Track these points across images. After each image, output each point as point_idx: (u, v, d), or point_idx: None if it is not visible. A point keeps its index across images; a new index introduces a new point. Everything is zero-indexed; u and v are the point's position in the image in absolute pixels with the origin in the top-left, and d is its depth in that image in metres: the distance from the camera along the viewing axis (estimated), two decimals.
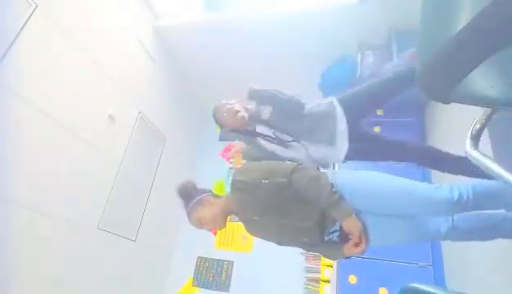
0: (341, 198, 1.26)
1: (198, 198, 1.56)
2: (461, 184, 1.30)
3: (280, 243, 1.50)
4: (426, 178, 2.85)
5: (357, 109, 1.70)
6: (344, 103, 1.69)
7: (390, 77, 1.73)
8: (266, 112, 1.73)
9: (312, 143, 1.68)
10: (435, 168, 1.88)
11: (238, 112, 1.70)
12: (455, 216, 1.38)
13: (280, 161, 1.56)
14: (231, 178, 1.46)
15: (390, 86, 1.70)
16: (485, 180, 1.33)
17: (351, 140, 1.65)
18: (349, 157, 1.68)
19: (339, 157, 1.68)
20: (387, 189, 1.31)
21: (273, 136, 1.74)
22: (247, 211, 1.44)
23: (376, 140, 1.84)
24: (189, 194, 1.61)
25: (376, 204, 1.31)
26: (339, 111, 1.67)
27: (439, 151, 1.76)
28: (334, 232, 1.37)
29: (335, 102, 1.71)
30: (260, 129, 1.78)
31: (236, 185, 1.43)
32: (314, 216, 1.31)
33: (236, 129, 1.79)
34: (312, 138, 1.67)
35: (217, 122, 1.84)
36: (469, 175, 1.56)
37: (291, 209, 1.34)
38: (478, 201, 1.26)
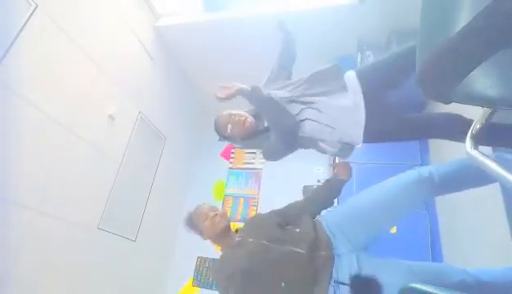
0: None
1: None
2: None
3: None
4: None
5: (377, 75, 1.54)
6: (361, 73, 1.56)
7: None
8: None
9: (327, 96, 1.50)
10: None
11: (246, 119, 1.59)
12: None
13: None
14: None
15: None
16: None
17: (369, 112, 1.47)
18: (369, 132, 1.48)
19: (359, 108, 1.47)
20: (364, 209, 1.35)
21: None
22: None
23: (398, 115, 1.60)
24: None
25: (372, 224, 1.34)
26: (352, 76, 1.54)
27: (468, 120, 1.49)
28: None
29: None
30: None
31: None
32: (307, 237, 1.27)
33: (248, 135, 1.67)
34: (325, 92, 1.51)
35: (225, 137, 1.69)
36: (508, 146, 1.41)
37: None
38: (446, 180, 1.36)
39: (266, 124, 1.62)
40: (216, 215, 1.40)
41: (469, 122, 1.24)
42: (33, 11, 2.01)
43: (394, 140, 1.75)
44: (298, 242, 1.24)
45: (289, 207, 1.51)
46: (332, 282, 1.19)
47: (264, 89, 1.56)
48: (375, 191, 1.42)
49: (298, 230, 1.31)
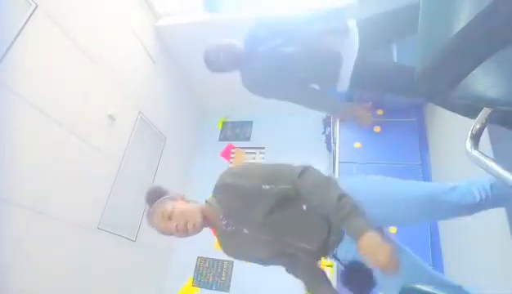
0: (357, 207, 0.99)
1: (169, 195, 1.31)
2: (478, 181, 1.18)
3: (266, 263, 1.29)
4: (426, 175, 2.85)
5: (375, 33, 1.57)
6: (362, 24, 1.58)
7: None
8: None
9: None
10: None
11: (235, 44, 1.64)
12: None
13: (286, 163, 1.31)
14: (218, 179, 1.25)
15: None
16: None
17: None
18: (357, 74, 1.49)
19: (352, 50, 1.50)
20: (404, 196, 1.15)
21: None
22: (235, 222, 1.20)
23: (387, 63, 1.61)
24: (158, 194, 1.35)
25: (390, 214, 1.15)
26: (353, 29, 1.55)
27: None
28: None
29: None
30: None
31: (227, 189, 1.19)
32: (321, 238, 1.11)
33: (241, 60, 1.62)
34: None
35: (218, 67, 1.65)
36: None
37: (294, 225, 1.13)
38: (497, 198, 1.18)
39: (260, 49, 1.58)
40: (177, 227, 1.21)
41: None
42: (33, 11, 2.01)
43: (384, 89, 1.77)
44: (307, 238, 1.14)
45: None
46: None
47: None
48: (416, 193, 1.17)
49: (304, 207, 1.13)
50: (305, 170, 1.16)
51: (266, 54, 1.53)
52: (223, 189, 1.21)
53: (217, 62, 1.59)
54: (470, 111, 0.71)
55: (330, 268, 2.82)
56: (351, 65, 1.47)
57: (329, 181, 1.08)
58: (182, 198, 1.31)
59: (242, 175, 1.19)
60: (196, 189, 4.12)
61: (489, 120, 0.71)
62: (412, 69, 0.59)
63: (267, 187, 1.12)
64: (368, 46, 1.51)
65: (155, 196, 1.35)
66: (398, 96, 2.48)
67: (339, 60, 1.49)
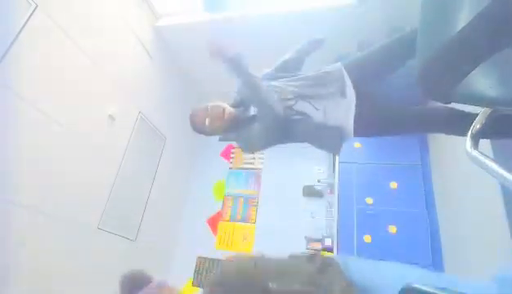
0: None
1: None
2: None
3: None
4: (426, 175, 2.85)
5: (365, 70, 1.51)
6: (350, 67, 1.51)
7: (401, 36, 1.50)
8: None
9: (324, 99, 1.45)
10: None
11: (225, 110, 1.49)
12: None
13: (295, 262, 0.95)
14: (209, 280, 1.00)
15: (403, 43, 1.45)
16: None
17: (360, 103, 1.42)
18: (359, 126, 1.42)
19: (350, 109, 1.43)
20: None
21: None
22: None
23: (391, 108, 1.52)
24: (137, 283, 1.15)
25: None
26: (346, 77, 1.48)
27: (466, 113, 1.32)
28: None
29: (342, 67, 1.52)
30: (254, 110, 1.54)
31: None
32: None
33: (230, 127, 1.55)
34: (322, 94, 1.46)
35: (204, 132, 1.56)
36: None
37: None
38: None
39: (252, 112, 1.52)
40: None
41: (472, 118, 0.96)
42: (33, 11, 2.01)
43: (390, 135, 1.69)
44: None
45: None
46: None
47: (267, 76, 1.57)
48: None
49: None
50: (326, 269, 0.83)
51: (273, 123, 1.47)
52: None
53: (202, 128, 1.54)
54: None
55: None
56: (351, 125, 1.41)
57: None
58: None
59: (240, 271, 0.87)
60: (196, 189, 4.13)
61: (489, 120, 0.71)
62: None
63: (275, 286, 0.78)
64: (363, 89, 1.46)
65: (133, 285, 1.11)
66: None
67: (341, 131, 1.44)
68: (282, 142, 1.55)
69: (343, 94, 1.45)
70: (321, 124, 1.42)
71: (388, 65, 1.52)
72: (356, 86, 1.45)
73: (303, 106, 1.45)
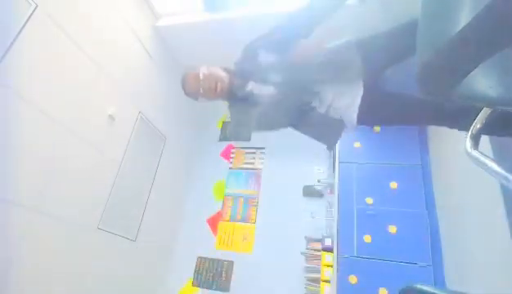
0: None
1: None
2: None
3: None
4: (426, 175, 2.85)
5: (379, 54, 1.39)
6: (363, 46, 1.37)
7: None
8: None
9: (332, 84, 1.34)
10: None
11: (217, 84, 1.38)
12: None
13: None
14: None
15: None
16: None
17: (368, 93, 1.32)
18: (364, 114, 1.34)
19: (356, 96, 1.33)
20: None
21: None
22: None
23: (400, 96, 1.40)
24: None
25: None
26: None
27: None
28: None
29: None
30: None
31: None
32: None
33: (223, 98, 1.44)
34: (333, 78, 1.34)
35: (195, 99, 1.46)
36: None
37: None
38: None
39: (249, 88, 1.40)
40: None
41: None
42: (33, 11, 2.01)
43: (395, 125, 1.65)
44: None
45: None
46: None
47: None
48: None
49: None
50: None
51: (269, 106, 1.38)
52: None
53: (195, 93, 1.44)
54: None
55: (330, 268, 2.82)
56: (355, 119, 1.33)
57: None
58: None
59: None
60: (196, 189, 4.13)
61: (489, 120, 0.71)
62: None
63: None
64: (373, 72, 1.34)
65: None
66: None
67: (343, 124, 1.38)
68: (282, 127, 1.47)
69: (352, 79, 1.34)
70: (324, 115, 1.34)
71: (399, 49, 1.39)
72: (364, 69, 1.33)
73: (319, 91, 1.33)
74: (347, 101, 1.34)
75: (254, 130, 1.58)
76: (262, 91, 1.39)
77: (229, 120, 1.58)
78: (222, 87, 1.39)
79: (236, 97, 1.44)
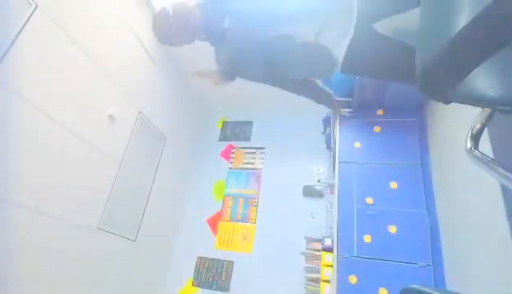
0: None
1: None
2: None
3: None
4: (426, 175, 2.85)
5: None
6: None
7: None
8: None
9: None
10: None
11: (189, 11, 1.24)
12: None
13: None
14: None
15: None
16: None
17: None
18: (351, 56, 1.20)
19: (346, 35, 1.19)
20: None
21: None
22: None
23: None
24: None
25: None
26: None
27: None
28: None
29: None
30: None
31: None
32: None
33: (202, 34, 1.29)
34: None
35: (171, 43, 1.30)
36: None
37: None
38: None
39: (226, 24, 1.26)
40: None
41: None
42: (33, 11, 2.01)
43: (386, 77, 1.50)
44: None
45: None
46: None
47: None
48: None
49: None
50: None
51: (250, 45, 1.24)
52: None
53: (168, 35, 1.27)
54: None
55: (330, 268, 2.82)
56: (341, 54, 1.18)
57: None
58: None
59: None
60: (196, 189, 4.13)
61: (489, 120, 0.71)
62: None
63: None
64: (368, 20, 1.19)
65: None
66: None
67: (331, 56, 1.22)
68: (263, 70, 1.30)
69: (345, 14, 1.19)
70: (310, 43, 1.18)
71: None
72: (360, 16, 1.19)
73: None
74: (335, 33, 1.19)
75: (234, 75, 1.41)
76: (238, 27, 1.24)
77: (220, 61, 1.37)
78: (195, 22, 1.24)
79: (215, 35, 1.29)
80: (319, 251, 3.02)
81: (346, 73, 1.27)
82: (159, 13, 1.27)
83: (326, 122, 3.56)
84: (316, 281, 2.97)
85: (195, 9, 1.26)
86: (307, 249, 3.21)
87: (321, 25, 1.21)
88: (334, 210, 2.96)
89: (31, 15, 1.99)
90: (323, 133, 3.70)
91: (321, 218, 3.39)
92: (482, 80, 0.55)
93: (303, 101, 1.63)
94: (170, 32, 1.23)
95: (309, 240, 3.26)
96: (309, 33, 1.20)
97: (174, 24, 1.22)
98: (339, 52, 1.18)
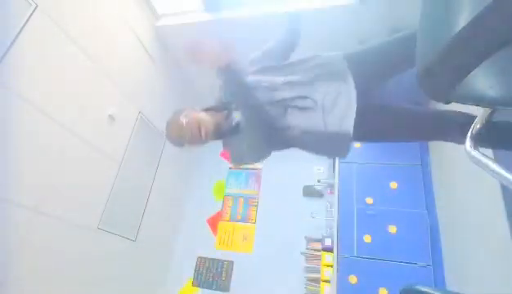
0: None
1: None
2: None
3: None
4: (426, 175, 2.85)
5: (369, 69, 1.34)
6: (353, 60, 1.33)
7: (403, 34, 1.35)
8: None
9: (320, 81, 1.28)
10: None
11: (200, 129, 1.31)
12: None
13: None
14: None
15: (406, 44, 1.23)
16: None
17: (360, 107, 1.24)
18: (358, 130, 1.24)
19: (351, 98, 1.25)
20: None
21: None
22: None
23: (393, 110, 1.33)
24: None
25: None
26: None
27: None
28: None
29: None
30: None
31: None
32: None
33: (212, 138, 1.39)
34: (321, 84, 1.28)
35: (182, 147, 1.41)
36: None
37: None
38: None
39: (235, 119, 1.36)
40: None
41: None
42: (33, 11, 2.01)
43: (389, 141, 1.55)
44: None
45: None
46: None
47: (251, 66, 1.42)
48: None
49: None
50: None
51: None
52: None
53: (181, 143, 1.38)
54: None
55: (330, 268, 2.82)
56: (351, 126, 1.23)
57: None
58: None
59: None
60: (196, 189, 4.13)
61: (489, 120, 0.71)
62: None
63: None
64: (363, 87, 1.28)
65: None
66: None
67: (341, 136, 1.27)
68: (275, 149, 1.43)
69: (342, 87, 1.27)
70: (320, 131, 1.25)
71: (390, 64, 1.37)
72: (357, 83, 1.27)
73: (299, 101, 1.28)
74: (342, 102, 1.26)
75: (247, 161, 1.51)
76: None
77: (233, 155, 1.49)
78: (206, 131, 1.32)
79: (226, 133, 1.39)
80: (319, 251, 3.03)
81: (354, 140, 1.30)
82: (172, 123, 1.37)
83: None
84: (316, 281, 2.97)
85: (207, 119, 1.34)
86: (307, 249, 3.21)
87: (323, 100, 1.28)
88: (334, 210, 2.96)
89: (31, 15, 1.99)
90: None
91: (321, 218, 3.39)
92: (482, 80, 0.55)
93: None
94: (183, 141, 1.34)
95: (309, 240, 3.26)
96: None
97: (187, 135, 1.31)
98: (348, 126, 1.23)
